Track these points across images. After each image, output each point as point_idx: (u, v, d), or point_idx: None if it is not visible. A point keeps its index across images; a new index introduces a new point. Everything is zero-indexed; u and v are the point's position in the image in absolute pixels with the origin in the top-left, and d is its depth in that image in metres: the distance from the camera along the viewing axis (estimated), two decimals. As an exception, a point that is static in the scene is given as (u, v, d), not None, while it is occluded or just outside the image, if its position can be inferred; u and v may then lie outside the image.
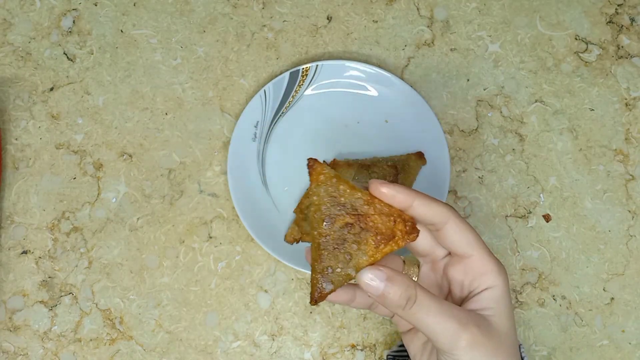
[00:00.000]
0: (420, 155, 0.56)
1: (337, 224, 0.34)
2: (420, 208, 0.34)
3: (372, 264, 0.34)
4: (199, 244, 0.56)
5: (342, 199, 0.34)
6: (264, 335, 0.55)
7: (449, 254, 0.38)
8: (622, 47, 0.62)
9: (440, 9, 0.62)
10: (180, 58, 0.61)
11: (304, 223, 0.55)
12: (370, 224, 0.34)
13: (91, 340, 0.54)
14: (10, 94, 0.59)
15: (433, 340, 0.33)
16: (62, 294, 0.55)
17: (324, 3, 0.62)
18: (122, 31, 0.61)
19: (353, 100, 0.59)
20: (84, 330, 0.54)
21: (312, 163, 0.35)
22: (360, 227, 0.34)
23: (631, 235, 0.57)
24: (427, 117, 0.57)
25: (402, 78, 0.60)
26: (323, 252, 0.34)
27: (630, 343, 0.55)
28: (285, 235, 0.55)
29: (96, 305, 0.55)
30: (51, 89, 0.60)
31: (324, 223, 0.34)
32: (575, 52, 0.62)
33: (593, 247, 0.57)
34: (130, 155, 0.58)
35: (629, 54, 0.62)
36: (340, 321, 0.55)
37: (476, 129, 0.59)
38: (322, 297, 0.34)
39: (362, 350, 0.55)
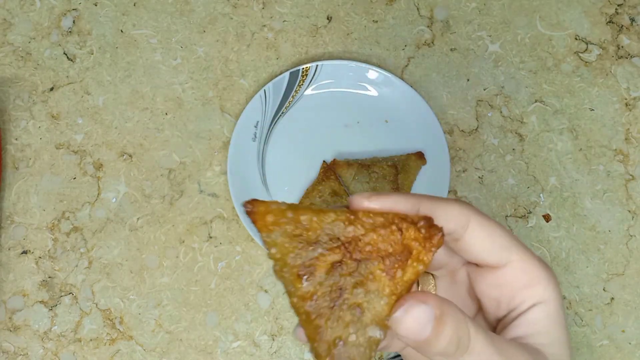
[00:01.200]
0: (420, 155, 0.56)
1: (320, 271, 0.23)
2: None
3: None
4: (199, 244, 0.56)
5: (311, 233, 0.23)
6: (264, 335, 0.55)
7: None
8: (622, 47, 0.62)
9: (440, 9, 0.62)
10: (180, 58, 0.61)
11: None
12: (367, 248, 0.23)
13: (91, 340, 0.54)
14: (10, 94, 0.59)
15: None
16: (62, 294, 0.55)
17: (324, 3, 0.62)
18: (122, 31, 0.61)
19: (353, 100, 0.59)
20: (84, 330, 0.54)
21: (250, 207, 0.23)
22: (355, 260, 0.23)
23: (631, 235, 0.57)
24: (427, 117, 0.57)
25: (402, 78, 0.60)
26: (317, 322, 0.23)
27: (630, 343, 0.55)
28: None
29: (96, 305, 0.55)
30: (51, 89, 0.60)
31: (302, 281, 0.23)
32: (575, 52, 0.62)
33: (593, 247, 0.57)
34: (130, 155, 0.58)
35: (629, 54, 0.62)
36: (340, 321, 0.55)
37: (476, 129, 0.59)
38: None
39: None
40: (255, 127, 0.58)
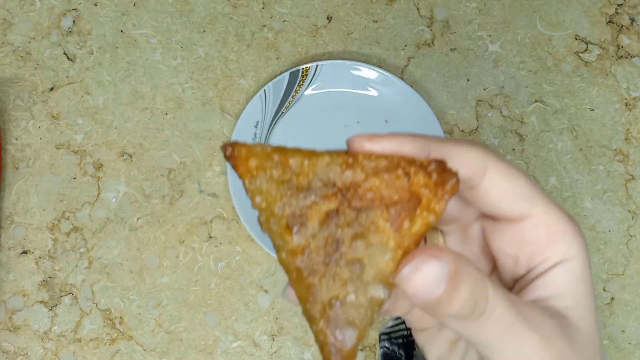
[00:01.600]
0: (420, 155, 0.56)
1: (312, 221, 0.20)
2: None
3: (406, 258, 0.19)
4: (199, 244, 0.56)
5: (302, 177, 0.20)
6: (264, 335, 0.55)
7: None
8: (622, 47, 0.62)
9: (440, 9, 0.62)
10: (180, 58, 0.61)
11: None
12: (369, 195, 0.20)
13: (91, 340, 0.54)
14: (10, 94, 0.59)
15: None
16: (62, 294, 0.55)
17: (324, 3, 0.62)
18: (122, 31, 0.61)
19: (353, 100, 0.59)
20: (84, 330, 0.54)
21: (230, 150, 0.20)
22: (354, 209, 0.20)
23: (631, 235, 0.57)
24: (427, 117, 0.57)
25: (402, 78, 0.60)
26: (310, 279, 0.20)
27: (630, 343, 0.55)
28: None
29: (96, 305, 0.55)
30: (51, 89, 0.60)
31: (291, 233, 0.20)
32: (575, 52, 0.62)
33: (593, 247, 0.57)
34: (130, 155, 0.58)
35: (629, 54, 0.62)
36: (340, 321, 0.55)
37: (476, 129, 0.59)
38: (348, 357, 0.19)
39: (361, 350, 0.55)
40: (255, 127, 0.58)
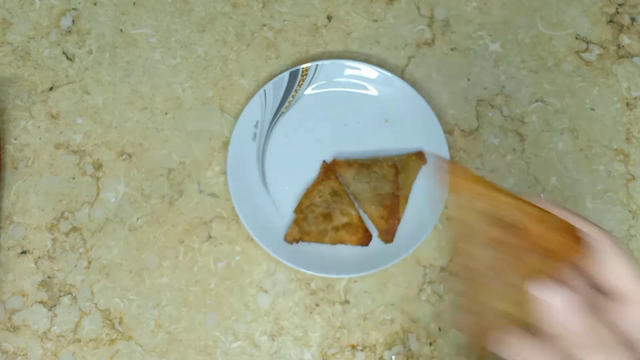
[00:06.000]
0: (420, 155, 0.56)
1: (490, 244, 0.26)
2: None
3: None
4: (199, 244, 0.56)
5: (498, 215, 0.25)
6: (264, 335, 0.55)
7: None
8: (623, 46, 0.62)
9: (441, 9, 0.62)
10: (179, 57, 0.60)
11: (304, 223, 0.55)
12: (538, 241, 0.26)
13: (91, 340, 0.54)
14: (10, 94, 0.59)
15: None
16: (62, 294, 0.55)
17: (324, 2, 0.62)
18: (121, 31, 0.61)
19: (353, 100, 0.59)
20: (83, 331, 0.54)
21: (451, 167, 0.25)
22: (522, 248, 0.26)
23: (632, 235, 0.57)
24: (427, 117, 0.57)
25: (402, 77, 0.59)
26: (482, 281, 0.27)
27: (631, 343, 0.55)
28: (286, 235, 0.55)
29: (95, 305, 0.55)
30: (50, 89, 0.59)
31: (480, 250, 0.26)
32: (575, 52, 0.61)
33: (594, 247, 0.57)
34: (129, 155, 0.58)
35: (629, 54, 0.61)
36: (340, 321, 0.55)
37: (476, 129, 0.59)
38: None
39: (362, 350, 0.55)
40: (255, 126, 0.58)
